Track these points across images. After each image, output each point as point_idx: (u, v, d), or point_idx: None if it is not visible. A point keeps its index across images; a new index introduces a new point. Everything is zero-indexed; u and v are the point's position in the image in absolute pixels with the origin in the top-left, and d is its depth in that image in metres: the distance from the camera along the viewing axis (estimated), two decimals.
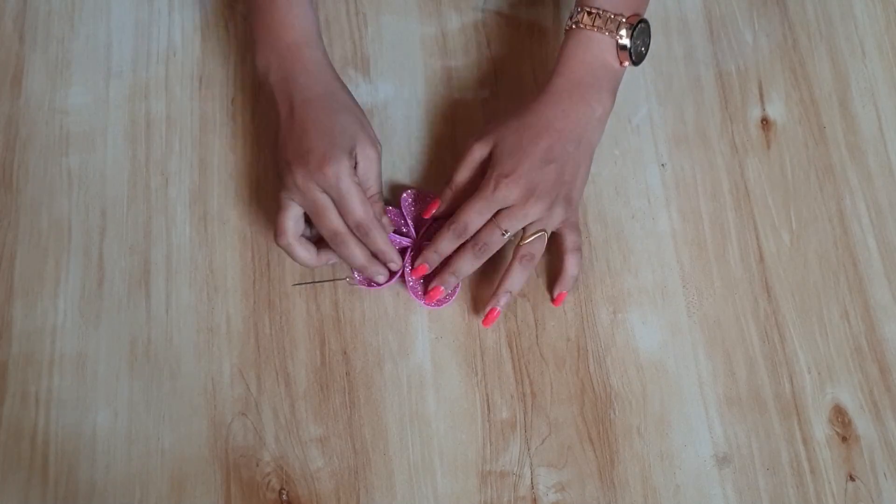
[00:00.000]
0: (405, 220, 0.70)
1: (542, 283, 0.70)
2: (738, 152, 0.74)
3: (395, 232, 0.68)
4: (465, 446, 0.66)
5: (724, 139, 0.75)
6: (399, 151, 0.74)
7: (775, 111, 0.76)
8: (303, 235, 0.66)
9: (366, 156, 0.64)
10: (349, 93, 0.68)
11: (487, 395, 0.68)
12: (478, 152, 0.66)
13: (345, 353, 0.69)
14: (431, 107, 0.75)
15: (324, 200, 0.63)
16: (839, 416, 0.67)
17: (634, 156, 0.74)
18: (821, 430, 0.67)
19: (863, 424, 0.67)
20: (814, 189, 0.73)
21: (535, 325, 0.69)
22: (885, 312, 0.70)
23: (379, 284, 0.68)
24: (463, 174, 0.66)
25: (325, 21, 0.78)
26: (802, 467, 0.66)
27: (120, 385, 0.68)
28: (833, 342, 0.69)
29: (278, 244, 0.65)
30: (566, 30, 0.66)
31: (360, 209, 0.63)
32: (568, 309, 0.70)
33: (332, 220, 0.63)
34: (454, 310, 0.70)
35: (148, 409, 0.67)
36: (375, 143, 0.65)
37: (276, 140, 0.66)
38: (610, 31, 0.64)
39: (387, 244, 0.65)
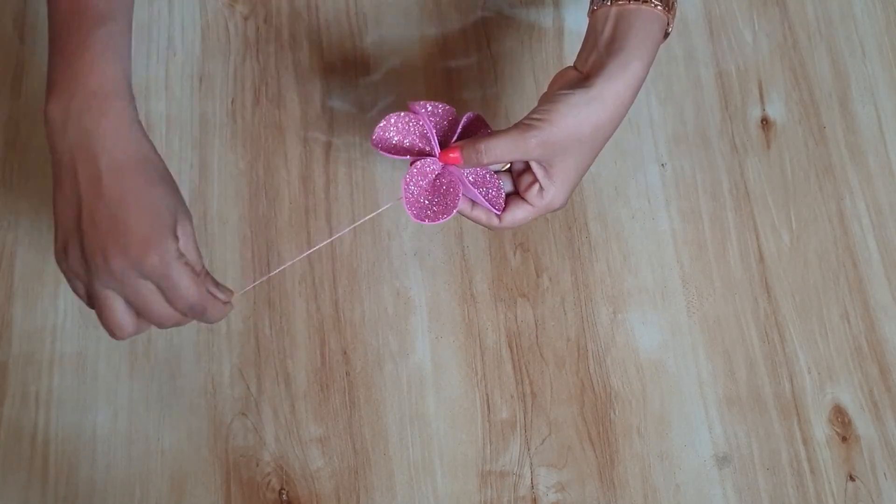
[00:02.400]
0: (429, 129, 0.58)
1: (542, 283, 0.70)
2: (738, 152, 0.74)
3: (406, 151, 0.58)
4: (465, 446, 0.66)
5: (724, 139, 0.75)
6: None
7: (775, 111, 0.76)
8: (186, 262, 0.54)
9: (186, 231, 0.53)
10: (160, 156, 0.56)
11: (487, 395, 0.68)
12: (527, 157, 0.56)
13: (345, 353, 0.69)
14: None
15: (147, 290, 0.52)
16: (839, 416, 0.67)
17: (634, 156, 0.74)
18: (821, 430, 0.67)
19: (863, 424, 0.67)
20: (814, 189, 0.73)
21: (535, 325, 0.69)
22: (885, 312, 0.70)
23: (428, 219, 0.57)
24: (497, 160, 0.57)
25: (325, 21, 0.78)
26: (802, 467, 0.66)
27: (120, 385, 0.68)
28: (833, 342, 0.69)
29: (120, 339, 0.54)
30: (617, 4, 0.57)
31: (193, 292, 0.52)
32: (568, 309, 0.70)
33: (162, 310, 0.52)
34: (454, 310, 0.70)
35: (148, 409, 0.67)
36: (189, 217, 0.54)
37: (64, 214, 0.52)
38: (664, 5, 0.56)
39: (222, 312, 0.55)
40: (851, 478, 0.66)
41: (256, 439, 0.66)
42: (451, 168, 0.57)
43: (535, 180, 0.57)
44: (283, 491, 0.65)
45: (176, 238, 0.52)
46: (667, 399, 0.67)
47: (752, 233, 0.72)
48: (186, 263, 0.52)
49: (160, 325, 0.54)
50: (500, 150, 0.55)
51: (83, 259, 0.51)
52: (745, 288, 0.70)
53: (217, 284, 0.55)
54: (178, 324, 0.54)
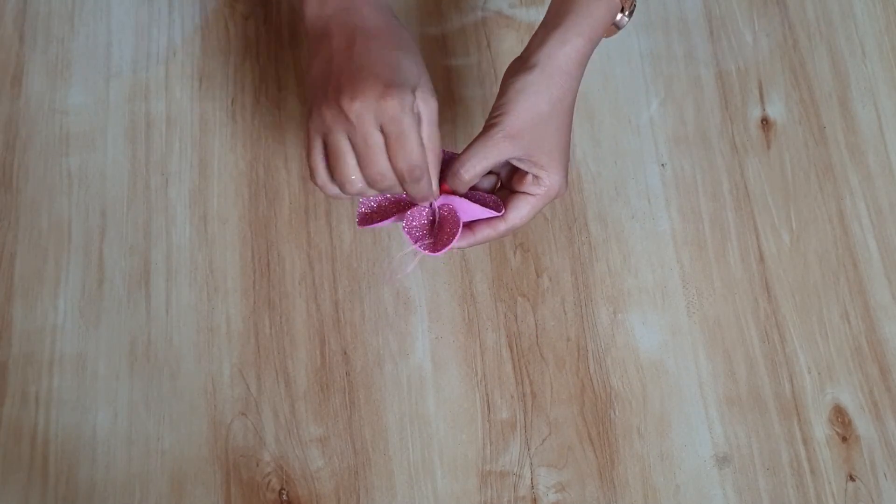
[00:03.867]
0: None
1: (542, 283, 0.70)
2: (738, 152, 0.74)
3: (403, 204, 0.59)
4: (465, 446, 0.66)
5: (724, 139, 0.75)
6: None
7: (775, 111, 0.76)
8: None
9: (429, 106, 0.54)
10: (413, 36, 0.59)
11: (487, 395, 0.68)
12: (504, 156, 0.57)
13: (345, 353, 0.69)
14: None
15: (376, 138, 0.53)
16: (839, 416, 0.67)
17: (634, 156, 0.74)
18: (821, 430, 0.67)
19: (863, 424, 0.67)
20: (814, 189, 0.73)
21: (535, 325, 0.69)
22: (885, 312, 0.70)
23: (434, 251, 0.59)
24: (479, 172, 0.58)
25: None
26: (802, 467, 0.66)
27: (120, 385, 0.68)
28: (833, 342, 0.69)
29: (316, 183, 0.56)
30: None
31: (418, 151, 0.53)
32: (568, 309, 0.70)
33: (382, 164, 0.54)
34: (454, 310, 0.70)
35: (148, 409, 0.67)
36: (434, 93, 0.55)
37: (316, 75, 0.56)
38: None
39: (429, 191, 0.56)
40: (851, 478, 0.66)
41: (256, 439, 0.66)
42: (441, 200, 0.58)
43: (526, 171, 0.58)
44: (283, 491, 0.65)
45: (414, 96, 0.53)
46: (667, 399, 0.67)
47: (752, 233, 0.72)
48: (419, 125, 0.53)
49: (374, 184, 0.54)
50: (476, 160, 0.56)
51: (327, 111, 0.53)
52: (745, 288, 0.70)
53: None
54: (390, 189, 0.55)
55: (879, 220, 0.72)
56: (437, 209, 0.58)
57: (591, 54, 0.58)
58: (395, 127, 0.53)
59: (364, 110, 0.52)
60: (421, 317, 0.69)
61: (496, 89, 0.75)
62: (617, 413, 0.67)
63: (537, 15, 0.78)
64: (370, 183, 0.55)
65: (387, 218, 0.58)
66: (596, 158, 0.73)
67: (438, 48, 0.77)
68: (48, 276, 0.71)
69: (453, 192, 0.58)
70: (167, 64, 0.77)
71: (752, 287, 0.70)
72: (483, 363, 0.68)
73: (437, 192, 0.57)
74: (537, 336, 0.69)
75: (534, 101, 0.56)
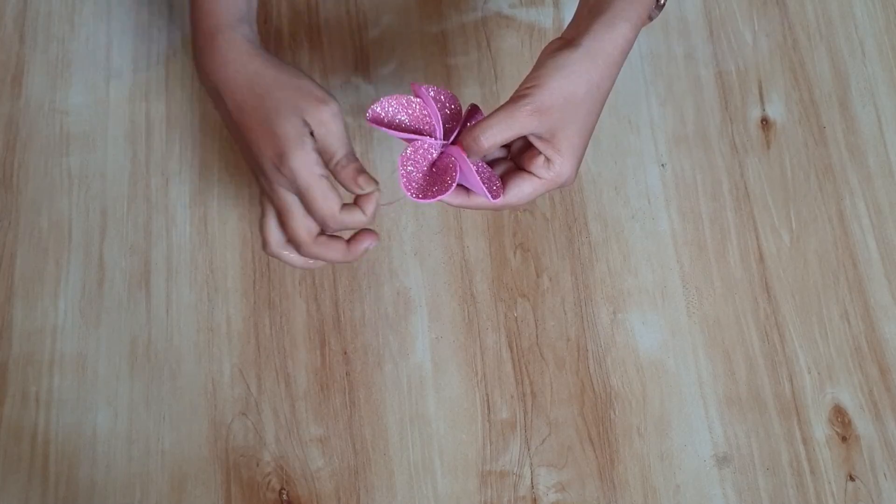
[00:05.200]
0: (436, 116, 0.56)
1: (541, 283, 0.70)
2: (738, 152, 0.74)
3: (414, 130, 0.56)
4: (465, 446, 0.66)
5: (724, 139, 0.75)
6: (399, 151, 0.74)
7: (775, 111, 0.76)
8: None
9: (318, 121, 0.54)
10: (274, 62, 0.58)
11: (487, 395, 0.68)
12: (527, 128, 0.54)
13: (345, 353, 0.69)
14: None
15: (289, 202, 0.55)
16: (839, 416, 0.67)
17: (634, 156, 0.74)
18: (821, 430, 0.67)
19: (863, 424, 0.67)
20: (814, 189, 0.73)
21: (535, 325, 0.69)
22: (885, 312, 0.70)
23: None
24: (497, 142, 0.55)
25: (325, 21, 0.78)
26: (802, 467, 0.66)
27: (120, 385, 0.68)
28: (833, 342, 0.69)
29: (266, 252, 0.59)
30: None
31: (323, 207, 0.54)
32: (568, 309, 0.70)
33: (296, 225, 0.56)
34: (454, 310, 0.70)
35: (148, 409, 0.67)
36: (325, 102, 0.55)
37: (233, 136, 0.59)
38: None
39: (362, 222, 0.56)
40: (851, 478, 0.66)
41: (256, 439, 0.66)
42: (451, 150, 0.55)
43: (540, 152, 0.55)
44: (283, 491, 0.65)
45: (303, 143, 0.54)
46: (667, 399, 0.68)
47: (752, 233, 0.72)
48: (320, 174, 0.54)
49: (325, 228, 0.56)
50: (497, 129, 0.53)
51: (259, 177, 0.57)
52: (745, 288, 0.70)
53: (360, 174, 0.55)
54: (334, 228, 0.56)
55: (879, 220, 0.72)
56: (443, 155, 0.55)
57: (634, 43, 0.55)
58: (296, 190, 0.55)
59: (270, 184, 0.55)
60: (421, 317, 0.69)
61: (496, 88, 0.75)
62: (617, 413, 0.67)
63: (537, 15, 0.78)
64: (296, 247, 0.57)
65: (396, 130, 0.56)
66: (596, 158, 0.73)
67: (438, 47, 0.77)
68: (48, 276, 0.71)
69: (466, 152, 0.55)
70: (167, 64, 0.77)
71: (752, 287, 0.70)
72: (483, 363, 0.68)
73: (367, 218, 0.56)
74: (537, 336, 0.69)
75: (571, 80, 0.53)
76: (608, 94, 0.56)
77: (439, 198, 0.54)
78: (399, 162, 0.54)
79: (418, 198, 0.54)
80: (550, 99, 0.53)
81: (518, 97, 0.53)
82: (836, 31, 0.78)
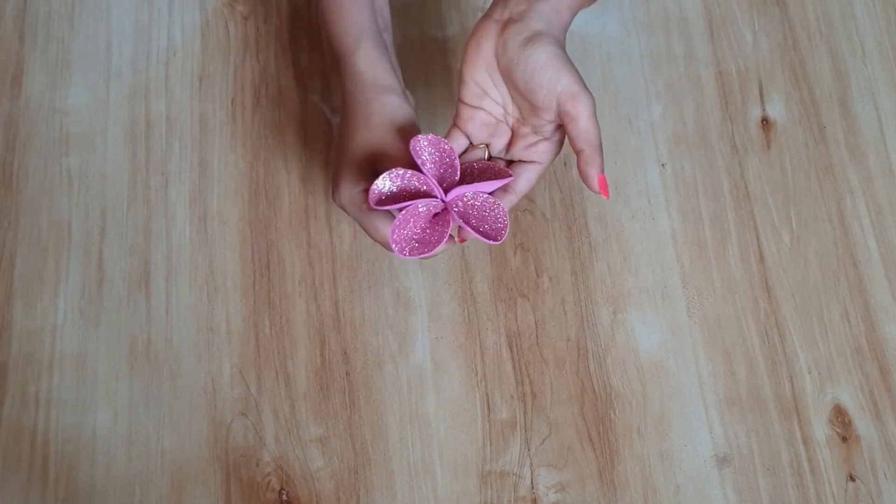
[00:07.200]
0: (427, 178, 0.56)
1: (542, 283, 0.70)
2: (738, 152, 0.74)
3: (416, 195, 0.57)
4: (465, 446, 0.66)
5: (724, 139, 0.75)
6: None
7: (775, 111, 0.76)
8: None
9: (391, 159, 0.58)
10: (385, 98, 0.61)
11: (487, 395, 0.68)
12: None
13: (345, 353, 0.69)
14: (432, 107, 0.75)
15: (355, 218, 0.60)
16: (839, 416, 0.67)
17: (634, 156, 0.74)
18: (821, 430, 0.67)
19: (863, 425, 0.67)
20: (814, 189, 0.73)
21: (535, 325, 0.69)
22: (885, 312, 0.70)
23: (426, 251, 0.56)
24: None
25: None
26: (802, 467, 0.66)
27: (120, 385, 0.68)
28: (833, 342, 0.69)
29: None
30: None
31: (375, 236, 0.58)
32: (568, 309, 0.70)
33: (375, 233, 0.59)
34: (454, 310, 0.70)
35: (148, 409, 0.67)
36: (401, 135, 0.59)
37: None
38: None
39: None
40: (852, 478, 0.66)
41: (256, 439, 0.66)
42: (451, 195, 0.55)
43: (537, 140, 0.56)
44: (283, 491, 0.65)
45: (355, 183, 0.58)
46: (667, 399, 0.67)
47: (752, 233, 0.72)
48: (370, 208, 0.56)
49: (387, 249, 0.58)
50: (595, 166, 0.56)
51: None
52: (746, 288, 0.70)
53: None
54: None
55: (879, 220, 0.72)
56: (446, 206, 0.56)
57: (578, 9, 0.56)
58: (355, 219, 0.59)
59: (336, 204, 0.60)
60: (421, 317, 0.69)
61: None
62: (617, 413, 0.67)
63: None
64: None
65: (397, 203, 0.56)
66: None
67: (439, 49, 0.77)
68: (48, 276, 0.71)
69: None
70: (167, 64, 0.77)
71: (752, 287, 0.70)
72: (483, 363, 0.68)
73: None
74: (537, 336, 0.69)
75: (567, 74, 0.53)
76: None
77: (434, 251, 0.55)
78: (395, 223, 0.55)
79: (404, 255, 0.55)
80: (544, 97, 0.54)
81: (580, 151, 0.55)
82: (836, 31, 0.78)
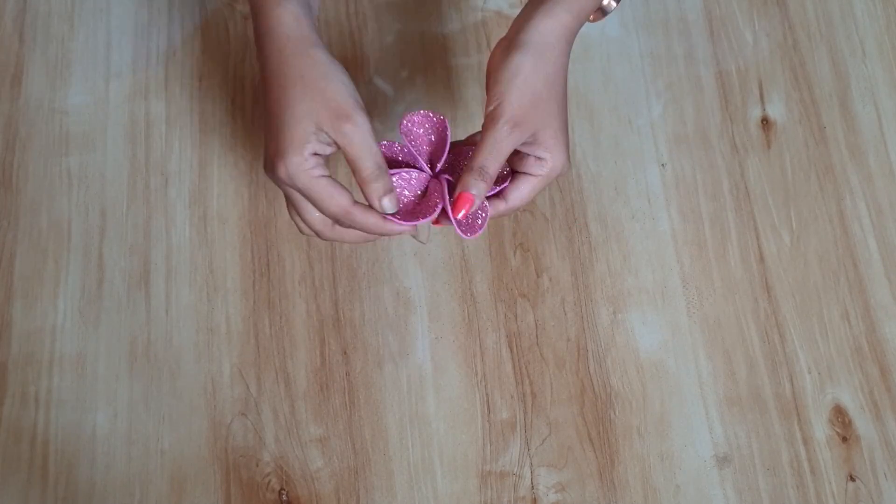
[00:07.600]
0: (415, 156, 0.56)
1: (542, 283, 0.70)
2: (738, 152, 0.74)
3: (407, 166, 0.57)
4: (465, 446, 0.66)
5: (724, 139, 0.75)
6: None
7: (775, 111, 0.76)
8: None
9: (339, 132, 0.52)
10: (315, 52, 0.54)
11: (487, 395, 0.68)
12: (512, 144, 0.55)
13: (345, 353, 0.69)
14: (432, 107, 0.75)
15: (293, 195, 0.54)
16: (839, 416, 0.67)
17: (634, 156, 0.74)
18: (821, 430, 0.67)
19: (863, 425, 0.67)
20: (814, 189, 0.73)
21: (535, 325, 0.69)
22: (885, 312, 0.70)
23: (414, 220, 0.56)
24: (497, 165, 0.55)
25: (325, 21, 0.78)
26: (803, 467, 0.66)
27: (120, 385, 0.68)
28: (833, 342, 0.69)
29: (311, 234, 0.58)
30: None
31: (330, 206, 0.53)
32: (568, 309, 0.70)
33: (307, 218, 0.55)
34: (454, 310, 0.70)
35: (148, 409, 0.67)
36: (345, 113, 0.52)
37: None
38: None
39: (378, 225, 0.54)
40: (852, 478, 0.66)
41: (256, 439, 0.66)
42: (437, 183, 0.55)
43: (528, 153, 0.55)
44: (283, 491, 0.65)
45: (301, 148, 0.51)
46: (667, 399, 0.67)
47: (752, 233, 0.72)
48: (322, 175, 0.52)
49: (339, 224, 0.55)
50: (492, 157, 0.53)
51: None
52: (746, 288, 0.70)
53: (386, 194, 0.53)
54: (349, 226, 0.54)
55: (879, 220, 0.72)
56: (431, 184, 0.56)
57: (577, 31, 0.56)
58: (296, 191, 0.53)
59: (274, 179, 0.53)
60: (421, 317, 0.69)
61: None
62: (617, 413, 0.67)
63: None
64: (315, 234, 0.56)
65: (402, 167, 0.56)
66: (596, 158, 0.73)
67: (439, 48, 0.77)
68: (48, 276, 0.71)
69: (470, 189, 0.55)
70: (167, 64, 0.77)
71: (752, 287, 0.70)
72: (483, 363, 0.68)
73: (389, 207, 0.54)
74: (537, 336, 0.69)
75: (529, 83, 0.54)
76: (566, 78, 0.56)
77: (422, 221, 0.54)
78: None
79: (406, 221, 0.54)
80: (520, 109, 0.53)
81: (491, 118, 0.54)
82: (836, 31, 0.78)
